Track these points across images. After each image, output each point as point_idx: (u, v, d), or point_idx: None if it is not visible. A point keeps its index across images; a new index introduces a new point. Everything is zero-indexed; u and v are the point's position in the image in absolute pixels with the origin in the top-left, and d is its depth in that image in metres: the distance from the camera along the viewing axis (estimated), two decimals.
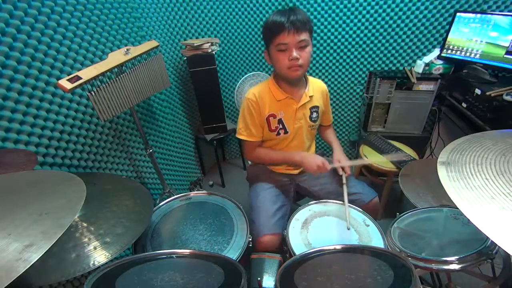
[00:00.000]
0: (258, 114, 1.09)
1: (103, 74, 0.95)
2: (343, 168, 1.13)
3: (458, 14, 1.54)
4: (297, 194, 1.34)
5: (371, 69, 1.87)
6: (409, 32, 1.72)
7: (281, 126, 1.12)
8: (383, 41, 1.77)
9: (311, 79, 1.15)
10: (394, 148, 1.60)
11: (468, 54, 1.55)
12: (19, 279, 0.37)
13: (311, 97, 1.12)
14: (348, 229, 0.92)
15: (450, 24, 1.58)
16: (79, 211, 0.51)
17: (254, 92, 1.09)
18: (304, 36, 0.93)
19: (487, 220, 0.42)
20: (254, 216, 1.08)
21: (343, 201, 1.02)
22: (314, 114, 1.16)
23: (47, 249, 0.42)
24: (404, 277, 0.58)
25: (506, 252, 0.50)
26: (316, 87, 1.16)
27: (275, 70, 1.08)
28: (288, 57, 0.95)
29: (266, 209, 1.07)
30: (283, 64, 0.97)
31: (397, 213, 0.96)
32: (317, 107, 1.16)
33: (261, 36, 1.91)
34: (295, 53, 0.94)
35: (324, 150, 2.24)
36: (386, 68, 1.86)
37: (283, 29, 0.91)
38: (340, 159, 1.15)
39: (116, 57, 1.02)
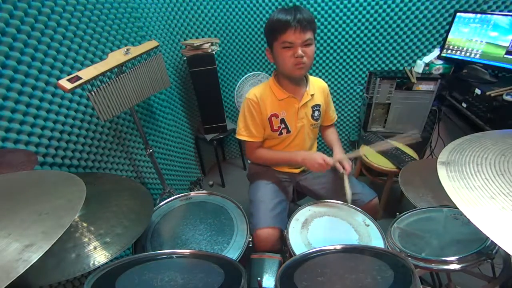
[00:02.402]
0: (259, 114, 1.09)
1: (103, 74, 0.95)
2: (343, 166, 1.12)
3: (458, 14, 1.54)
4: (297, 193, 1.34)
5: (371, 69, 1.87)
6: (409, 32, 1.72)
7: (283, 126, 1.12)
8: (383, 41, 1.77)
9: (311, 78, 1.15)
10: (394, 147, 1.60)
11: (468, 54, 1.55)
12: (19, 279, 0.37)
13: (312, 95, 1.12)
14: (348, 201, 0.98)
15: (450, 24, 1.58)
16: (79, 211, 0.51)
17: (255, 92, 1.09)
18: (309, 35, 0.94)
19: (487, 220, 0.42)
20: (253, 209, 1.08)
21: (350, 203, 1.02)
22: (316, 113, 1.16)
23: (47, 249, 0.42)
24: (404, 277, 0.58)
25: (506, 252, 0.49)
26: (316, 86, 1.16)
27: (276, 69, 1.08)
28: (293, 55, 0.95)
29: (265, 203, 1.08)
30: (288, 62, 0.97)
31: (397, 213, 0.96)
32: (318, 105, 1.16)
33: (261, 36, 1.93)
34: (300, 51, 0.94)
35: (325, 150, 2.25)
36: (386, 68, 1.86)
37: (289, 27, 0.91)
38: (340, 159, 1.13)
39: (116, 57, 1.02)
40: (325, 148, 2.26)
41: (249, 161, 1.37)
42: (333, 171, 1.21)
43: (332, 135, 1.30)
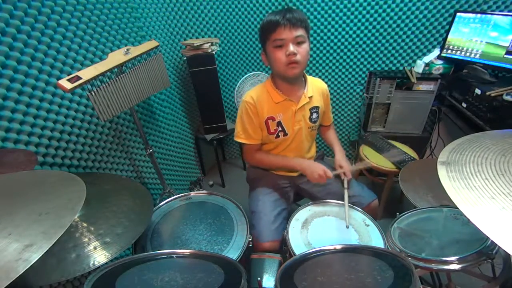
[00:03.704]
0: (256, 117, 1.08)
1: (103, 74, 0.95)
2: (345, 173, 1.12)
3: (458, 14, 1.54)
4: (297, 195, 1.34)
5: (371, 69, 1.87)
6: (409, 32, 1.72)
7: (280, 129, 1.11)
8: (383, 41, 1.77)
9: (310, 78, 1.14)
10: (393, 147, 1.60)
11: (468, 54, 1.55)
12: (19, 279, 0.37)
13: (310, 97, 1.10)
14: (347, 227, 0.92)
15: (450, 24, 1.58)
16: (79, 211, 0.51)
17: (251, 94, 1.08)
18: (301, 32, 0.93)
19: (487, 220, 0.42)
20: (254, 221, 1.07)
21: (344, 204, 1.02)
22: (314, 115, 1.15)
23: (47, 249, 0.42)
24: (404, 277, 0.58)
25: (506, 252, 0.49)
26: (315, 87, 1.14)
27: (272, 71, 1.08)
28: (285, 53, 0.94)
29: (266, 215, 1.07)
30: (281, 61, 0.96)
31: (397, 213, 0.96)
32: (317, 107, 1.14)
33: None
34: (292, 48, 0.93)
35: (325, 150, 2.25)
36: (386, 68, 1.86)
37: (279, 25, 0.91)
38: (342, 164, 1.14)
39: (116, 57, 1.02)
40: (325, 147, 2.26)
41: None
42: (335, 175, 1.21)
43: (332, 136, 1.30)
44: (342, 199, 1.05)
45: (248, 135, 1.11)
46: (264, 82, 1.12)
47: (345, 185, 1.08)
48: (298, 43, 0.94)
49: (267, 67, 2.00)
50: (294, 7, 1.16)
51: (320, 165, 1.07)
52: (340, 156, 1.18)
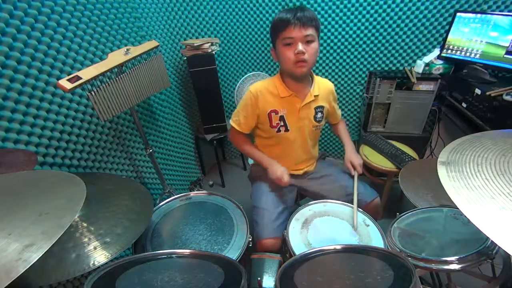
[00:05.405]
0: (255, 108, 1.09)
1: (103, 74, 0.95)
2: (355, 168, 1.13)
3: (458, 14, 1.54)
4: (299, 194, 1.34)
5: (371, 69, 1.87)
6: (409, 32, 1.72)
7: (282, 123, 1.11)
8: (383, 41, 1.77)
9: (317, 78, 1.14)
10: (394, 147, 1.60)
11: (468, 54, 1.55)
12: (19, 279, 0.37)
13: (316, 96, 1.11)
14: (355, 229, 0.93)
15: (450, 24, 1.58)
16: (79, 211, 0.51)
17: (257, 86, 1.10)
18: (310, 31, 0.94)
19: (487, 220, 0.42)
20: (257, 217, 1.08)
21: (352, 202, 1.03)
22: (319, 114, 1.15)
23: (47, 249, 0.42)
24: (404, 277, 0.58)
25: (506, 252, 0.49)
26: (322, 87, 1.15)
27: (281, 67, 1.08)
28: (294, 51, 0.95)
29: (269, 212, 1.07)
30: (289, 59, 0.97)
31: (397, 213, 0.96)
32: (322, 107, 1.14)
33: (262, 36, 1.93)
34: (300, 47, 0.94)
35: (326, 150, 2.25)
36: (386, 68, 1.86)
37: (289, 24, 0.93)
38: (352, 158, 1.16)
39: (116, 57, 1.02)
40: (327, 148, 2.26)
41: (250, 162, 1.37)
42: (341, 172, 1.21)
43: (341, 130, 1.32)
44: (345, 197, 1.05)
45: (237, 121, 1.14)
46: (274, 76, 1.14)
47: (355, 182, 1.09)
48: (308, 42, 0.96)
49: (270, 63, 2.01)
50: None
51: (281, 169, 1.09)
52: (350, 151, 1.20)
